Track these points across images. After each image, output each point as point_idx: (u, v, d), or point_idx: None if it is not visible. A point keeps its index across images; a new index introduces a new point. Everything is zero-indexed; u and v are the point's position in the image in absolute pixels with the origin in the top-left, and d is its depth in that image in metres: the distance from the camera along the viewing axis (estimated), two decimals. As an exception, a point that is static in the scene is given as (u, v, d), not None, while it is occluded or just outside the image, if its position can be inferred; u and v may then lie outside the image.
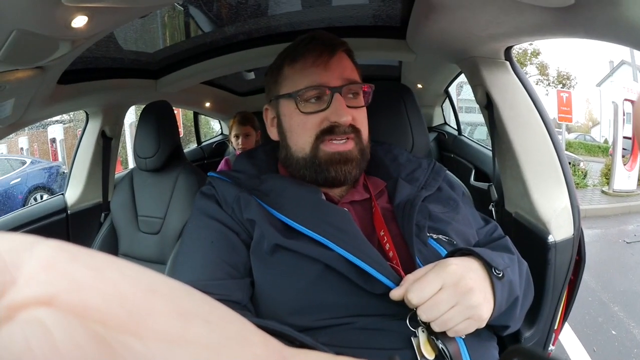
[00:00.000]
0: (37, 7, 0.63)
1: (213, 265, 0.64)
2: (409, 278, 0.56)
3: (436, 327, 0.54)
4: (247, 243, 0.67)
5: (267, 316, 0.62)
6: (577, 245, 1.00)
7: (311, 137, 0.71)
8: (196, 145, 3.46)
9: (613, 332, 2.54)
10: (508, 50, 1.01)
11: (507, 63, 1.02)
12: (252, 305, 0.64)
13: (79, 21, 0.72)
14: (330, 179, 0.72)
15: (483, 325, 0.56)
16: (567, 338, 2.43)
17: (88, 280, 0.13)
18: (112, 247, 1.61)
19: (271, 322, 0.38)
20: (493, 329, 0.64)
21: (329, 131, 0.70)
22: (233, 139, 2.28)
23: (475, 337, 0.58)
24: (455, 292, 0.53)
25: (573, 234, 0.99)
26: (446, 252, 0.65)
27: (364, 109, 0.75)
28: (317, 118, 0.70)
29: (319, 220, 0.63)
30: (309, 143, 0.72)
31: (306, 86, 0.71)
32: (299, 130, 0.73)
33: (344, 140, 0.71)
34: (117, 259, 0.15)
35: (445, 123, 3.18)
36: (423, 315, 0.53)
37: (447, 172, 0.89)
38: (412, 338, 0.56)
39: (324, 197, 0.71)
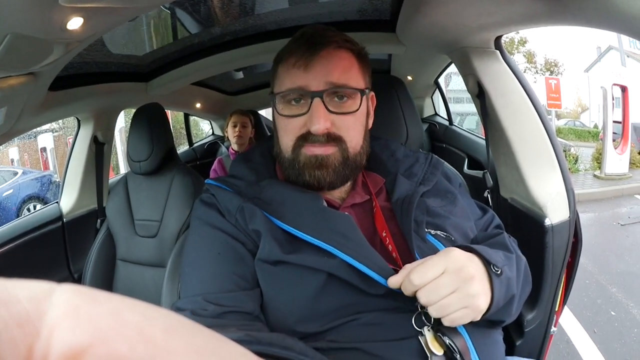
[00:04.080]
0: (33, 8, 0.60)
1: (222, 278, 0.63)
2: (407, 267, 0.56)
3: (433, 312, 0.54)
4: (253, 252, 0.67)
5: (276, 324, 0.62)
6: (574, 227, 1.01)
7: (292, 140, 0.70)
8: (187, 147, 3.45)
9: (612, 313, 2.59)
10: (498, 39, 1.01)
11: (497, 52, 1.03)
12: (262, 314, 0.64)
13: (75, 23, 0.70)
14: (305, 183, 0.70)
15: (478, 317, 0.56)
16: (567, 321, 2.47)
17: (113, 326, 0.13)
18: (109, 252, 1.60)
19: (276, 349, 0.41)
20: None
21: (305, 138, 0.69)
22: (230, 129, 2.28)
23: (478, 328, 0.59)
24: (457, 278, 0.54)
25: (569, 217, 1.00)
26: (444, 248, 0.65)
27: (355, 114, 0.70)
28: (297, 122, 0.69)
29: (322, 227, 0.63)
30: (291, 146, 0.70)
31: (287, 88, 0.69)
32: (282, 132, 0.72)
33: (324, 146, 0.69)
34: (133, 300, 0.15)
35: (436, 114, 3.19)
36: (423, 297, 0.54)
37: (445, 164, 0.89)
38: (419, 337, 0.58)
39: (325, 203, 0.70)
